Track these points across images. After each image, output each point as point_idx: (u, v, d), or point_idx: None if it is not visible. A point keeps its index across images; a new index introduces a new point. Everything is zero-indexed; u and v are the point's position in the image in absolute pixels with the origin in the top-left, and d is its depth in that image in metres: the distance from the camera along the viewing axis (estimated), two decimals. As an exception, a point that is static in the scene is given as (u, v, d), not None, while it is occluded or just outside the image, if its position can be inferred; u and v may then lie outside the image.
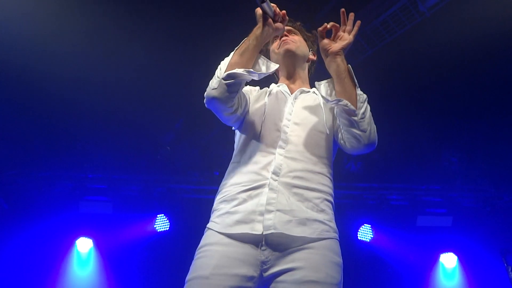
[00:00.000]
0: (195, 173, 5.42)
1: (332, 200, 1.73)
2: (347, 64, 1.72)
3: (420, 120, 4.91)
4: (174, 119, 4.83)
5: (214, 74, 1.72)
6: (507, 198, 5.54)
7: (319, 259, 1.54)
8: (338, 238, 1.67)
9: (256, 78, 1.78)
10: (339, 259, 1.62)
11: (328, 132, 1.79)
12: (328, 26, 1.73)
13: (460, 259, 5.72)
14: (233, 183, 1.70)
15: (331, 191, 1.73)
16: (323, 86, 1.79)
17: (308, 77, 2.07)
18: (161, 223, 5.66)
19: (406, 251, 5.64)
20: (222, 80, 1.66)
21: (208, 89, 1.71)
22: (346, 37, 1.73)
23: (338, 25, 1.75)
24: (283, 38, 1.97)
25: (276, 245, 1.56)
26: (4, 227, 5.34)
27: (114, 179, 5.55)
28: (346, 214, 5.58)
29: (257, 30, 1.74)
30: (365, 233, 5.72)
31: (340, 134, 1.76)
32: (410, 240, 5.65)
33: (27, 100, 4.49)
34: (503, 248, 3.85)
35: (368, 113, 1.68)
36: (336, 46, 1.72)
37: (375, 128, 1.70)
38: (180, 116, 4.89)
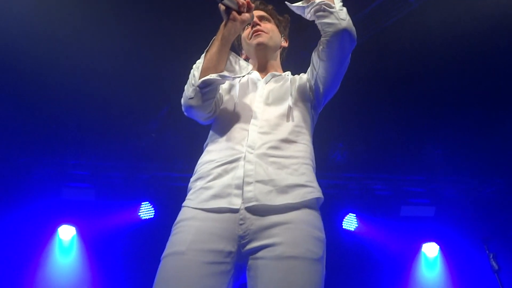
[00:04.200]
0: (180, 160, 5.37)
1: (312, 164, 1.71)
2: None
3: (404, 111, 4.93)
4: (159, 106, 4.76)
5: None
6: (488, 190, 5.63)
7: (298, 234, 1.49)
8: (322, 196, 1.64)
9: (230, 80, 1.76)
10: (320, 234, 1.56)
11: (297, 103, 1.79)
12: None
13: (442, 248, 5.82)
14: (208, 161, 1.68)
15: (309, 155, 1.72)
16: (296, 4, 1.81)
17: (280, 62, 2.05)
18: (146, 211, 5.61)
19: (390, 240, 5.71)
20: (198, 88, 1.64)
21: (184, 98, 1.70)
22: None
23: None
24: (255, 29, 1.92)
25: (257, 212, 1.52)
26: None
27: (97, 166, 5.46)
28: (331, 204, 5.60)
29: (222, 28, 1.70)
30: (350, 222, 5.77)
31: (316, 57, 1.77)
32: (394, 229, 5.72)
33: (5, 83, 4.36)
34: (485, 236, 3.93)
35: (345, 10, 1.69)
36: None
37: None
38: (165, 103, 4.83)
